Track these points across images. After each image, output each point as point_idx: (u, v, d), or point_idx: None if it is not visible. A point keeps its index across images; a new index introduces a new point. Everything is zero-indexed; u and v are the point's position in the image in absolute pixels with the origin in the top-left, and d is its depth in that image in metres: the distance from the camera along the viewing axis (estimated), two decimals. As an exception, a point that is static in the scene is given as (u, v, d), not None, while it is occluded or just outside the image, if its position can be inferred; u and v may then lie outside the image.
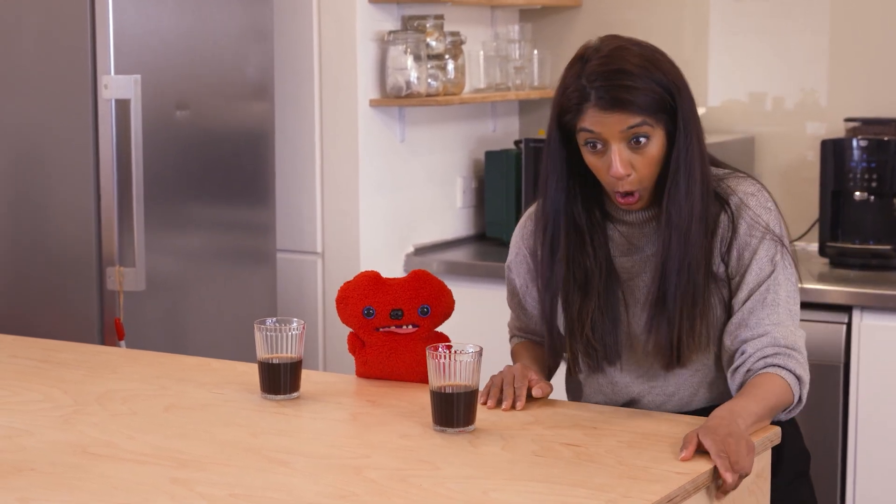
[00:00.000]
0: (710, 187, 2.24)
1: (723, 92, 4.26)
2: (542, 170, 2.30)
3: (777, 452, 2.20)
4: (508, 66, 4.35)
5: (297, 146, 4.04)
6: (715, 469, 1.94)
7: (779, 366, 2.17)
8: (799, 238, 4.01)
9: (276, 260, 3.83)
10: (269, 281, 3.77)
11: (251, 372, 2.47)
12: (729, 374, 2.22)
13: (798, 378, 2.18)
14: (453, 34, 4.08)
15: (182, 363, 2.64)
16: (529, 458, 1.99)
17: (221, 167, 3.60)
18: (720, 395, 2.29)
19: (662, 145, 2.20)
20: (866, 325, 3.48)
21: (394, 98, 3.97)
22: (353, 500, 1.81)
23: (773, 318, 2.21)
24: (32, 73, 3.37)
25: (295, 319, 2.35)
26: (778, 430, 2.15)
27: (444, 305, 2.43)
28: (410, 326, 2.41)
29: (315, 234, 4.04)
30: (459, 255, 4.14)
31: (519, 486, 1.86)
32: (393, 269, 4.04)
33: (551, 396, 2.33)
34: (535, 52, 4.42)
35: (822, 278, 3.65)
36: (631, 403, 2.33)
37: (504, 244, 4.24)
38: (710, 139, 2.30)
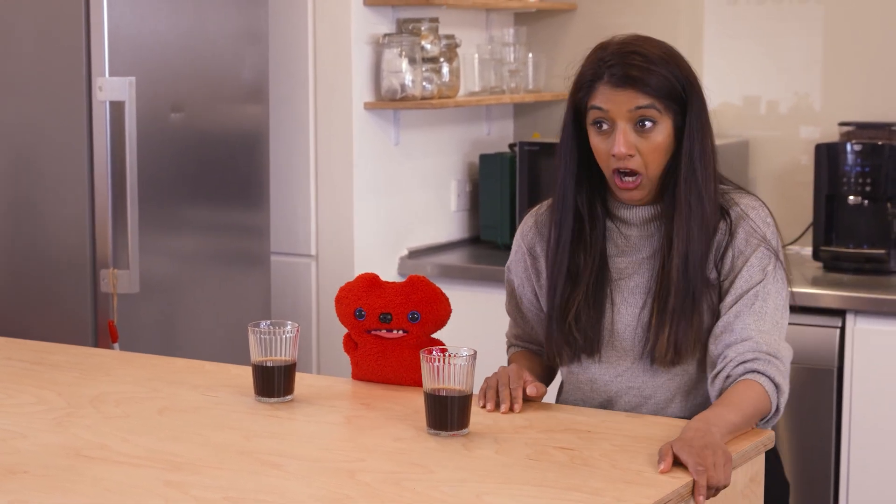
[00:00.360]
0: (717, 191, 2.25)
1: (717, 95, 4.27)
2: (556, 157, 2.33)
3: None
4: (503, 69, 4.35)
5: (292, 149, 4.04)
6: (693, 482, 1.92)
7: (758, 371, 2.15)
8: (793, 242, 4.01)
9: (271, 262, 3.83)
10: (263, 283, 3.77)
11: (245, 375, 2.47)
12: (709, 381, 2.21)
13: (777, 386, 2.16)
14: (448, 37, 4.09)
15: (176, 366, 2.63)
16: (523, 461, 1.99)
17: (216, 169, 3.60)
18: (695, 406, 2.28)
19: (669, 136, 2.22)
20: (860, 330, 3.48)
21: (388, 101, 3.97)
22: (347, 504, 1.81)
23: (759, 325, 2.20)
24: (27, 74, 3.37)
25: (289, 322, 2.35)
26: (772, 434, 2.15)
27: (435, 313, 2.40)
28: (400, 331, 2.40)
29: (309, 237, 4.04)
30: (454, 259, 4.14)
31: (513, 489, 1.86)
32: (387, 272, 4.04)
33: (546, 400, 2.33)
34: (530, 55, 4.42)
35: (815, 282, 3.65)
36: (607, 404, 2.34)
37: (498, 247, 4.27)
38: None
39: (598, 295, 2.31)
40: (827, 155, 3.79)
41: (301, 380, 2.42)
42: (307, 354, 4.02)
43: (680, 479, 1.89)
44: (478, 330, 3.80)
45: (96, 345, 3.31)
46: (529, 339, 2.49)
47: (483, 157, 4.32)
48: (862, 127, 3.89)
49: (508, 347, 2.55)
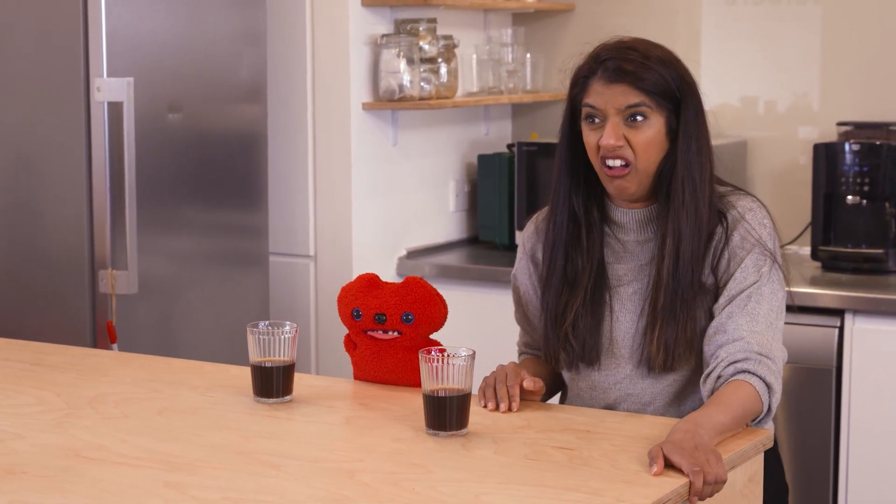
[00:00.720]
0: (713, 194, 2.24)
1: (715, 96, 4.27)
2: (555, 157, 2.33)
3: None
4: (501, 69, 4.35)
5: (290, 149, 4.04)
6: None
7: (749, 372, 2.14)
8: (791, 242, 4.02)
9: (269, 263, 3.83)
10: (261, 284, 3.77)
11: (244, 375, 2.47)
12: (702, 381, 2.20)
13: (768, 386, 2.15)
14: (446, 38, 4.09)
15: (174, 366, 2.63)
16: (522, 461, 1.99)
17: (214, 170, 3.60)
18: (692, 411, 2.28)
19: (660, 132, 2.21)
20: (858, 329, 3.48)
21: (386, 101, 3.97)
22: (346, 504, 1.81)
23: (751, 325, 2.19)
24: (25, 75, 3.36)
25: (287, 323, 2.35)
26: (770, 433, 2.15)
27: (430, 315, 2.39)
28: (394, 332, 2.40)
29: (308, 238, 4.04)
30: (452, 259, 4.14)
31: (511, 489, 1.86)
32: (385, 272, 4.04)
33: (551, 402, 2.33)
34: (528, 55, 4.42)
35: (814, 282, 3.65)
36: (607, 409, 2.33)
37: (497, 247, 4.27)
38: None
39: (596, 302, 2.31)
40: (825, 155, 3.79)
41: (300, 380, 2.42)
42: (306, 355, 4.02)
43: (679, 479, 1.89)
44: (476, 330, 3.80)
45: (95, 345, 3.31)
46: (539, 347, 2.48)
47: (481, 158, 4.32)
48: (860, 127, 3.89)
49: (519, 356, 2.55)
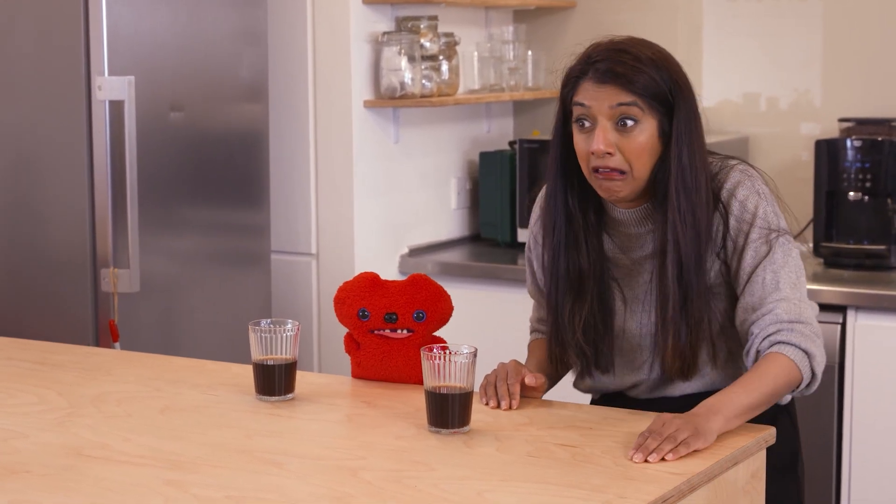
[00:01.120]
0: (709, 195, 2.23)
1: (717, 92, 4.26)
2: (549, 158, 2.31)
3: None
4: (502, 66, 4.35)
5: (292, 147, 4.04)
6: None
7: (783, 342, 2.15)
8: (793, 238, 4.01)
9: (271, 261, 3.83)
10: (263, 282, 3.77)
11: (246, 373, 2.47)
12: (744, 356, 2.22)
13: (806, 352, 2.15)
14: (447, 35, 4.08)
15: (176, 365, 2.63)
16: (524, 458, 1.99)
17: (216, 168, 3.60)
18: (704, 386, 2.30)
19: (652, 136, 2.18)
20: (861, 326, 3.48)
21: (388, 99, 3.97)
22: (348, 502, 1.80)
23: (776, 295, 2.19)
24: (26, 74, 3.36)
25: (289, 321, 2.35)
26: (772, 430, 2.15)
27: (440, 311, 2.40)
28: (405, 331, 2.40)
29: (309, 236, 4.04)
30: (454, 257, 4.14)
31: (514, 486, 1.86)
32: (387, 270, 4.04)
33: (548, 397, 2.33)
34: (530, 52, 4.42)
35: (816, 278, 3.65)
36: (629, 388, 2.35)
37: (498, 245, 4.27)
38: (705, 140, 2.30)
39: (604, 302, 2.30)
40: (827, 151, 3.79)
41: (302, 378, 2.42)
42: (308, 353, 4.02)
43: (682, 476, 1.89)
44: (478, 327, 3.80)
45: (97, 344, 3.31)
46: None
47: (483, 155, 4.32)
48: (862, 123, 3.89)
49: (531, 333, 2.54)
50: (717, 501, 1.98)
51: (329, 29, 3.95)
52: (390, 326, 2.40)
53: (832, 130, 4.02)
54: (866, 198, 3.75)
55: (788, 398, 2.27)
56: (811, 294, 3.45)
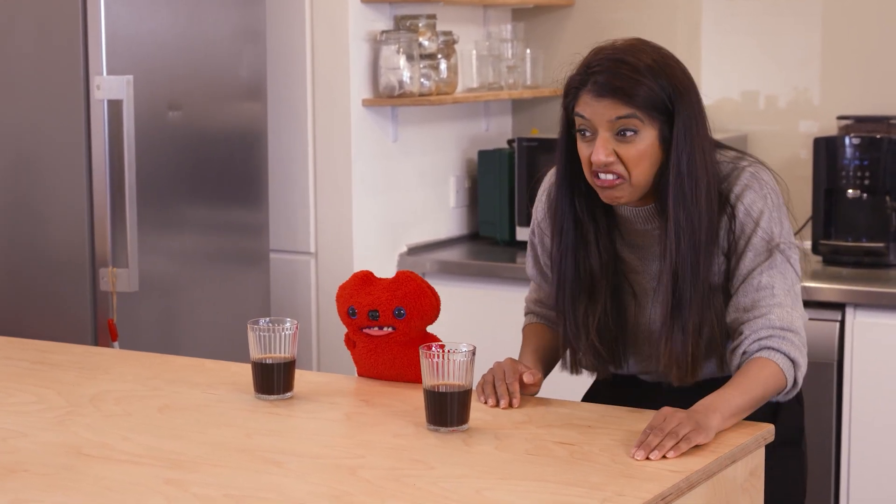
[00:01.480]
0: (715, 197, 2.23)
1: (716, 90, 4.26)
2: (555, 162, 2.33)
3: (773, 417, 2.25)
4: (501, 65, 4.35)
5: (290, 146, 4.04)
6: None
7: (773, 349, 2.18)
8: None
9: (270, 260, 3.83)
10: (262, 281, 3.77)
11: (244, 372, 2.47)
12: (728, 352, 2.24)
13: (793, 361, 2.19)
14: (446, 34, 4.08)
15: (175, 364, 2.63)
16: (523, 457, 1.99)
17: (214, 168, 3.60)
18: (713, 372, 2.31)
19: (652, 144, 2.18)
20: (859, 323, 3.49)
21: (386, 98, 3.97)
22: (347, 500, 1.80)
23: (770, 300, 2.21)
24: (25, 74, 3.36)
25: (288, 319, 2.35)
26: (771, 427, 2.15)
27: (421, 308, 2.39)
28: (388, 328, 2.40)
29: (308, 235, 4.04)
30: (453, 255, 4.14)
31: (512, 485, 1.86)
32: (386, 268, 4.04)
33: (546, 395, 2.33)
34: (528, 51, 4.42)
35: (815, 276, 3.65)
36: (633, 376, 2.37)
37: (497, 243, 4.27)
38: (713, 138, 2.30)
39: (617, 303, 2.31)
40: (825, 149, 3.79)
41: (301, 377, 2.42)
42: (307, 351, 4.02)
43: (681, 473, 1.89)
44: (476, 325, 3.80)
45: (96, 343, 3.31)
46: (549, 305, 2.47)
47: (481, 154, 4.32)
48: (860, 120, 3.89)
49: (526, 314, 2.55)
50: (716, 499, 1.98)
51: (327, 28, 3.95)
52: (375, 324, 2.40)
53: (831, 128, 4.02)
54: (865, 195, 3.75)
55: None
56: (810, 292, 3.49)
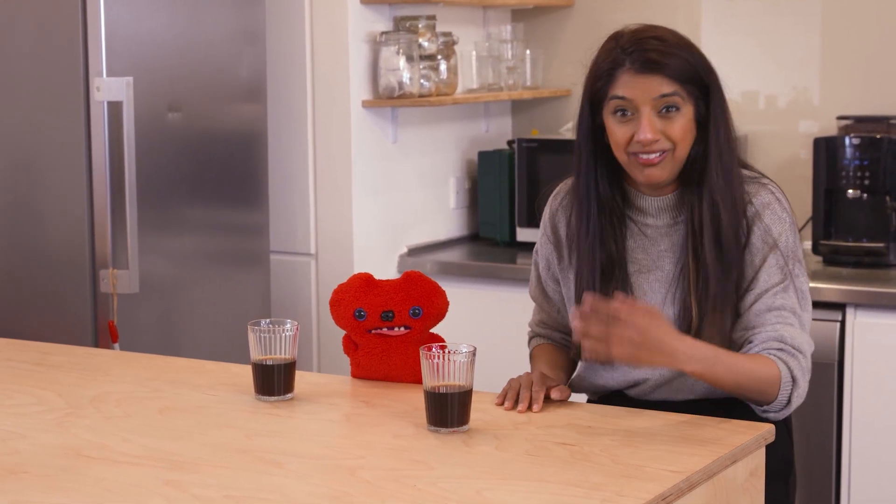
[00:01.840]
0: (741, 177, 2.25)
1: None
2: (574, 152, 2.32)
3: None
4: (501, 66, 4.35)
5: (290, 148, 4.04)
6: None
7: (781, 360, 2.18)
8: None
9: (270, 261, 3.83)
10: (262, 282, 3.77)
11: (245, 373, 2.47)
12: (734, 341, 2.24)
13: (794, 379, 2.18)
14: (445, 34, 4.08)
15: (176, 365, 2.63)
16: (523, 457, 1.99)
17: (214, 169, 3.60)
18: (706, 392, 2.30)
19: (691, 121, 2.22)
20: (860, 323, 3.48)
21: (386, 99, 3.97)
22: (347, 501, 1.80)
23: (781, 319, 2.21)
24: (24, 75, 3.37)
25: (288, 320, 2.35)
26: (771, 427, 2.15)
27: (436, 307, 2.41)
28: (402, 328, 2.40)
29: (308, 236, 4.04)
30: (453, 256, 4.14)
31: (513, 485, 1.86)
32: (386, 269, 4.05)
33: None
34: (528, 51, 4.42)
35: (815, 276, 3.65)
36: (630, 386, 2.34)
37: (497, 244, 4.27)
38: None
39: (627, 290, 2.31)
40: (825, 149, 3.79)
41: (301, 378, 2.42)
42: (307, 352, 4.02)
43: (681, 474, 1.89)
44: (477, 327, 3.80)
45: (96, 345, 3.31)
46: (554, 326, 2.48)
47: (481, 155, 4.32)
48: (860, 120, 3.89)
49: (531, 339, 2.54)
50: (717, 499, 1.98)
51: (327, 29, 3.95)
52: (387, 325, 2.40)
53: (831, 128, 4.02)
54: (865, 195, 3.75)
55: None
56: (810, 293, 3.48)
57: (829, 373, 3.50)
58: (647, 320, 2.04)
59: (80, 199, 3.31)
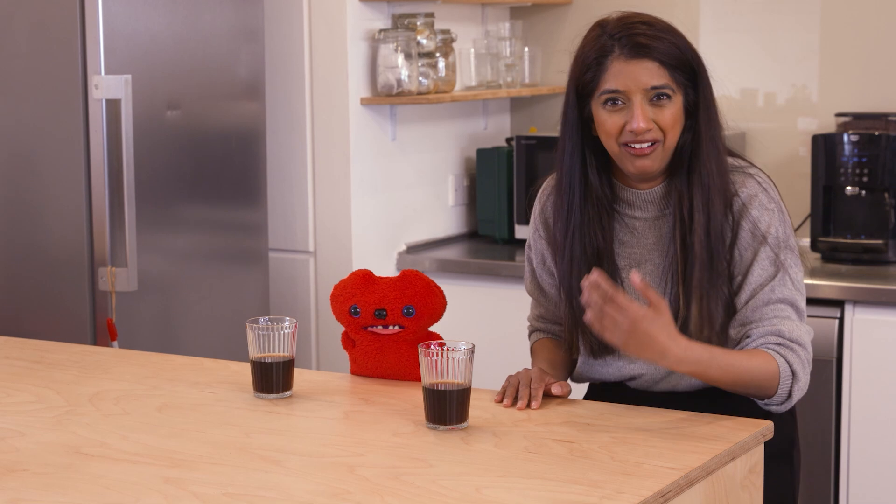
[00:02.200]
0: (727, 168, 2.25)
1: (714, 88, 4.25)
2: (559, 141, 2.31)
3: None
4: (499, 63, 4.35)
5: (289, 145, 4.04)
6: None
7: (780, 355, 2.18)
8: (791, 233, 4.02)
9: (269, 259, 3.83)
10: (261, 280, 3.77)
11: (244, 371, 2.47)
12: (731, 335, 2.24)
13: (793, 373, 2.18)
14: (444, 32, 4.08)
15: (174, 363, 2.63)
16: (522, 454, 1.99)
17: (213, 167, 3.60)
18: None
19: (680, 109, 2.22)
20: (858, 320, 3.49)
21: (385, 96, 3.97)
22: (347, 499, 1.80)
23: (779, 313, 2.21)
24: (23, 73, 3.36)
25: (287, 318, 2.35)
26: (770, 424, 2.15)
27: (430, 307, 2.39)
28: (396, 327, 2.40)
29: (307, 234, 4.04)
30: (451, 254, 4.14)
31: (511, 482, 1.86)
32: (385, 267, 4.05)
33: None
34: (526, 49, 4.42)
35: (814, 273, 3.65)
36: (629, 379, 2.34)
37: (496, 242, 4.27)
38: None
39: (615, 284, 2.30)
40: (824, 146, 3.79)
41: (300, 375, 2.42)
42: (306, 350, 4.02)
43: (680, 471, 1.89)
44: (476, 324, 3.81)
45: (95, 343, 3.31)
46: (552, 319, 2.47)
47: (480, 152, 4.32)
48: (858, 117, 3.89)
49: (530, 333, 2.53)
50: (716, 496, 1.98)
51: (326, 26, 3.95)
52: (381, 323, 2.40)
53: (829, 125, 4.02)
54: (863, 192, 3.75)
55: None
56: (809, 289, 3.49)
57: (828, 370, 3.50)
58: (642, 312, 2.03)
59: (79, 196, 3.31)
